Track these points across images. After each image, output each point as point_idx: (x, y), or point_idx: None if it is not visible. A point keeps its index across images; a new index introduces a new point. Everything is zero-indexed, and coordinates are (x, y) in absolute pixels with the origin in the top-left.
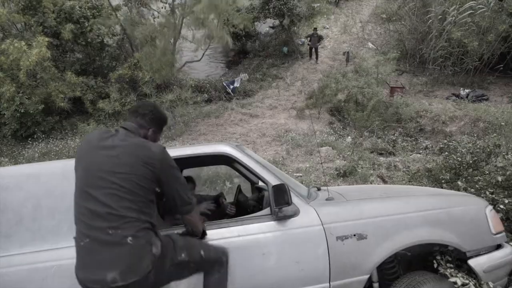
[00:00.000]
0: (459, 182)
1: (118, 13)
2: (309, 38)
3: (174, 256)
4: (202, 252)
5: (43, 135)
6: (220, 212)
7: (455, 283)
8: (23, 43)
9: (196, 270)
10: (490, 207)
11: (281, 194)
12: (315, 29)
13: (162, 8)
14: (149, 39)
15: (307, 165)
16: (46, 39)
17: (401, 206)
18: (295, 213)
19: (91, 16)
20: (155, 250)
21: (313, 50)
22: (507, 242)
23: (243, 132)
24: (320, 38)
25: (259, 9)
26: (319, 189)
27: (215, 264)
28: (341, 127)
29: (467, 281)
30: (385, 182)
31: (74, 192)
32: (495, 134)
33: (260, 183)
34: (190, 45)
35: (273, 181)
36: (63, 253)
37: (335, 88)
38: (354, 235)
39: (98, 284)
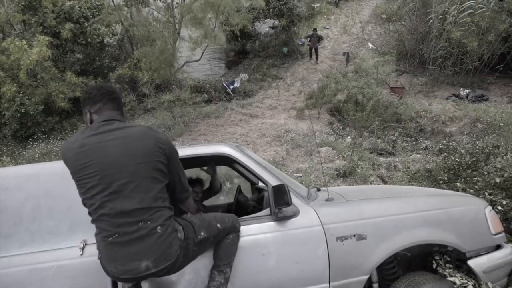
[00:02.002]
0: (458, 183)
1: (119, 13)
2: (309, 39)
3: (195, 237)
4: (218, 225)
5: (43, 136)
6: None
7: (454, 283)
8: (24, 41)
9: (214, 243)
10: (490, 207)
11: (281, 194)
12: (315, 29)
13: (161, 7)
14: (148, 38)
15: (307, 166)
16: (47, 38)
17: (400, 206)
18: (295, 214)
19: (90, 16)
20: (180, 235)
21: (313, 50)
22: (506, 243)
23: (243, 132)
24: (319, 38)
25: (258, 9)
26: (319, 190)
27: (230, 231)
28: (341, 127)
29: (465, 281)
30: (385, 182)
31: (84, 194)
32: (494, 135)
33: (260, 184)
34: (190, 45)
35: (273, 181)
36: (63, 253)
37: (335, 88)
38: (354, 236)
39: (131, 273)
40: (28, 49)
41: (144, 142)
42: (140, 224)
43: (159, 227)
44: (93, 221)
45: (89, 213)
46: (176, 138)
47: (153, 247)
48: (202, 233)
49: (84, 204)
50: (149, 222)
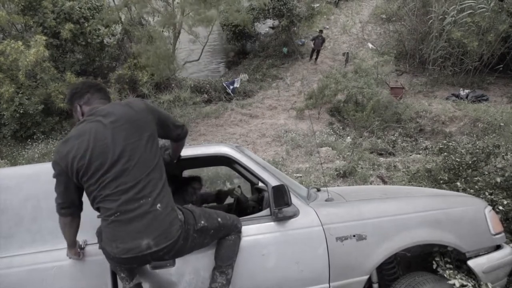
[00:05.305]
0: (458, 183)
1: (119, 13)
2: (313, 41)
3: (195, 224)
4: (219, 219)
5: (43, 136)
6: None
7: (453, 284)
8: (20, 43)
9: (215, 237)
10: (489, 207)
11: (281, 195)
12: (321, 31)
13: (162, 7)
14: (148, 36)
15: (307, 166)
16: (44, 38)
17: (400, 206)
18: (295, 214)
19: (90, 17)
20: (180, 217)
21: (315, 51)
22: (506, 243)
23: (243, 132)
24: (323, 41)
25: (258, 9)
26: (318, 190)
27: (231, 230)
28: (341, 127)
29: (465, 283)
30: (384, 182)
31: (88, 180)
32: (494, 135)
33: (260, 184)
34: (189, 42)
35: (272, 182)
36: (63, 254)
37: (335, 89)
38: (354, 236)
39: (132, 252)
40: (24, 50)
41: (134, 119)
42: (142, 201)
43: (159, 205)
44: (97, 204)
45: (94, 198)
46: None
47: (154, 224)
48: (202, 222)
49: (90, 192)
50: (149, 199)
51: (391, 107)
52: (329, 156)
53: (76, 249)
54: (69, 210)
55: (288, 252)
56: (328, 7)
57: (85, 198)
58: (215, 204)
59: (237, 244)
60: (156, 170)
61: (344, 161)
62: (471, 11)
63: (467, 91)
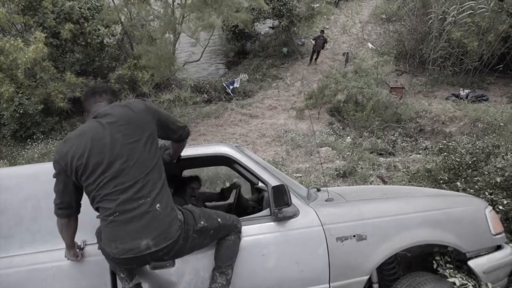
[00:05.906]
0: (458, 183)
1: (118, 13)
2: (314, 41)
3: (195, 224)
4: (219, 220)
5: (43, 136)
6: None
7: (454, 283)
8: (19, 40)
9: (215, 237)
10: (490, 207)
11: (281, 195)
12: (322, 31)
13: (162, 8)
14: (148, 37)
15: (307, 166)
16: (43, 35)
17: (400, 207)
18: (295, 214)
19: (90, 17)
20: (179, 217)
21: (315, 52)
22: (507, 243)
23: (242, 132)
24: (325, 41)
25: (258, 9)
26: (318, 190)
27: (231, 229)
28: (341, 127)
29: (465, 282)
30: (384, 182)
31: (87, 179)
32: (494, 135)
33: (260, 184)
34: (190, 46)
35: (272, 182)
36: (63, 254)
37: (335, 89)
38: (354, 236)
39: (132, 253)
40: (24, 47)
41: (133, 120)
42: (140, 201)
43: (158, 205)
44: (97, 204)
45: (93, 198)
46: None
47: (153, 225)
48: (202, 222)
49: (89, 192)
50: (148, 199)
51: (391, 107)
52: (329, 156)
53: (74, 251)
54: (66, 211)
55: (288, 252)
56: (328, 7)
57: (84, 200)
58: (217, 202)
59: (237, 244)
60: (155, 170)
61: (344, 161)
62: (471, 11)
63: (467, 91)
